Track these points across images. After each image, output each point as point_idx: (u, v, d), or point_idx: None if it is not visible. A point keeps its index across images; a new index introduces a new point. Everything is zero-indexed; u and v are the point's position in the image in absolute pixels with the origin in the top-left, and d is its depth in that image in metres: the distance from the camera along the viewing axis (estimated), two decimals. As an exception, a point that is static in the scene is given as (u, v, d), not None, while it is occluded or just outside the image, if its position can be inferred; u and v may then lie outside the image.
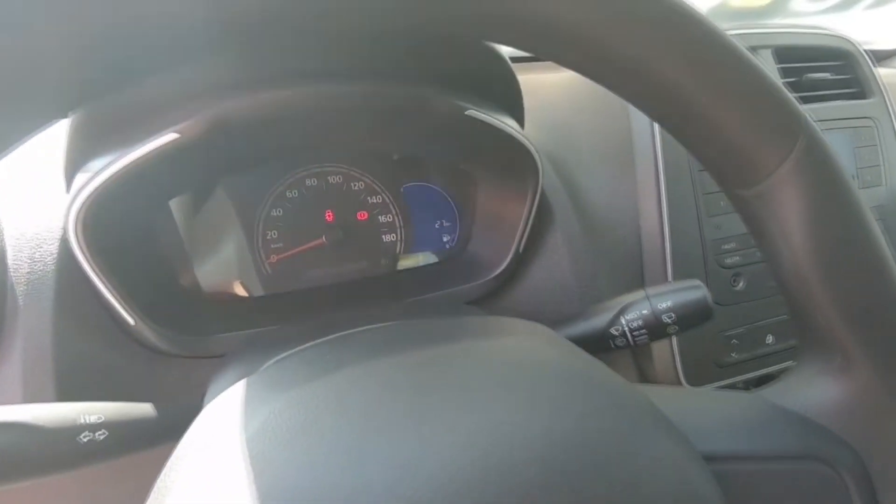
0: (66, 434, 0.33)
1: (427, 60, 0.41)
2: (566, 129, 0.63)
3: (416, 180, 0.66)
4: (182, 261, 0.55)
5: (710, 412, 0.30)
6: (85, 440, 0.34)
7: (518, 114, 0.52)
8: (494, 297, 0.58)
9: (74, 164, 0.40)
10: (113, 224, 0.42)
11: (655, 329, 0.45)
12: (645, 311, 0.45)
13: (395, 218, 0.64)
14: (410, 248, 0.65)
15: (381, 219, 0.64)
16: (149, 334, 0.45)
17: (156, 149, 0.36)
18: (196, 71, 0.35)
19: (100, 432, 0.35)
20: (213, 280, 0.57)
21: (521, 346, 0.28)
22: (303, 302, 0.58)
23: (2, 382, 0.41)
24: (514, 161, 0.52)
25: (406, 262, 0.65)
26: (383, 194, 0.64)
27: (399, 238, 0.65)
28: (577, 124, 0.63)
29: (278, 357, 0.38)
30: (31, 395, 0.41)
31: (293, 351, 0.38)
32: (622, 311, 0.45)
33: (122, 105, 0.36)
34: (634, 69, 0.22)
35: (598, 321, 0.46)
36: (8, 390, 0.41)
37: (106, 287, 0.42)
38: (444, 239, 0.67)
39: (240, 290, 0.59)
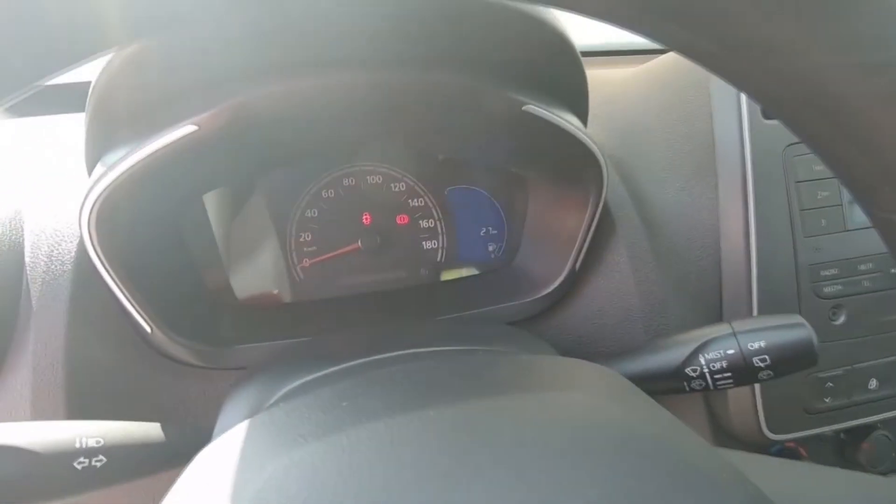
0: (62, 460, 0.30)
1: (482, 47, 0.35)
2: (634, 131, 0.56)
3: (462, 183, 0.60)
4: (212, 262, 0.52)
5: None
6: (80, 467, 0.30)
7: (582, 111, 0.45)
8: (543, 318, 0.51)
9: (92, 155, 0.36)
10: (130, 222, 0.39)
11: (743, 373, 0.37)
12: (731, 351, 0.37)
13: (438, 223, 0.59)
14: (452, 258, 0.59)
15: (423, 224, 0.59)
16: (167, 343, 0.42)
17: (171, 143, 0.32)
18: (217, 53, 0.30)
19: (97, 458, 0.31)
20: (243, 283, 0.54)
21: (589, 404, 0.22)
22: (334, 311, 0.54)
23: (10, 389, 0.38)
24: (575, 165, 0.46)
25: (447, 273, 0.59)
26: (426, 197, 0.59)
27: (441, 245, 0.59)
28: (647, 126, 0.55)
29: (297, 383, 0.33)
30: (40, 404, 0.38)
31: (314, 377, 0.33)
32: (702, 349, 0.38)
33: (138, 91, 0.32)
34: (804, 77, 0.16)
35: (669, 358, 0.39)
36: (16, 398, 0.38)
37: (122, 291, 0.38)
38: (490, 248, 0.61)
39: (269, 296, 0.55)
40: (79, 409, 0.39)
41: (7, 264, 0.40)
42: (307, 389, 0.30)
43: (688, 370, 0.38)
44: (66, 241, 0.41)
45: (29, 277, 0.40)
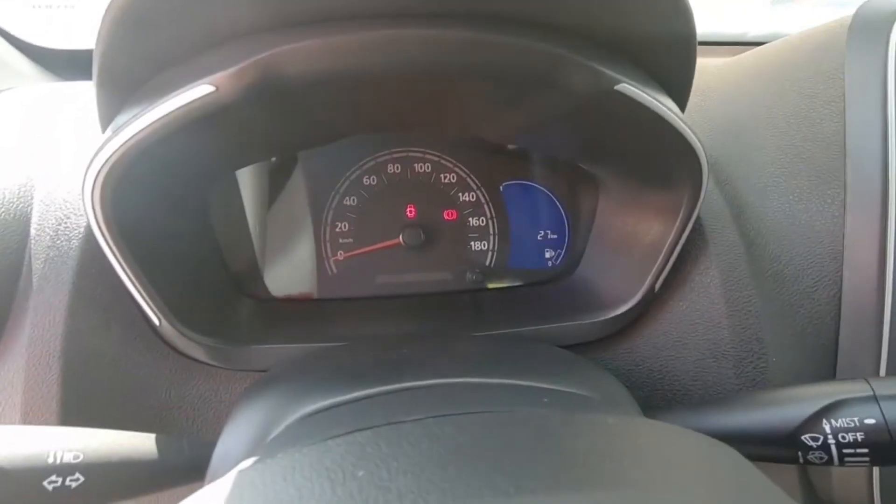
0: (30, 477, 0.25)
1: (578, 6, 0.27)
2: (734, 129, 0.46)
3: (520, 178, 0.53)
4: (240, 248, 0.47)
5: None
6: (51, 488, 0.25)
7: (681, 100, 0.36)
8: (606, 342, 0.44)
9: (104, 120, 0.31)
10: (145, 197, 0.34)
11: (887, 452, 0.28)
12: (870, 421, 0.28)
13: (490, 222, 0.52)
14: (503, 262, 0.52)
15: (473, 221, 0.52)
16: (176, 337, 0.37)
17: (184, 105, 0.27)
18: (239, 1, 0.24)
19: (72, 477, 0.26)
20: (273, 273, 0.49)
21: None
22: (366, 313, 0.48)
23: (2, 376, 0.34)
24: (666, 162, 0.37)
25: (496, 280, 0.52)
26: (478, 192, 0.52)
27: (491, 247, 0.52)
28: (752, 124, 0.46)
29: (312, 408, 0.27)
30: (31, 397, 0.34)
31: (333, 402, 0.27)
32: (827, 412, 0.29)
33: (145, 45, 0.27)
34: None
35: (781, 418, 0.30)
36: (6, 388, 0.34)
37: (128, 275, 0.33)
38: (547, 255, 0.53)
39: (297, 291, 0.49)
40: (73, 405, 0.34)
41: (10, 235, 0.36)
42: (321, 426, 0.24)
43: (805, 437, 0.30)
44: (75, 215, 0.37)
45: (32, 252, 0.35)
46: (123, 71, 0.29)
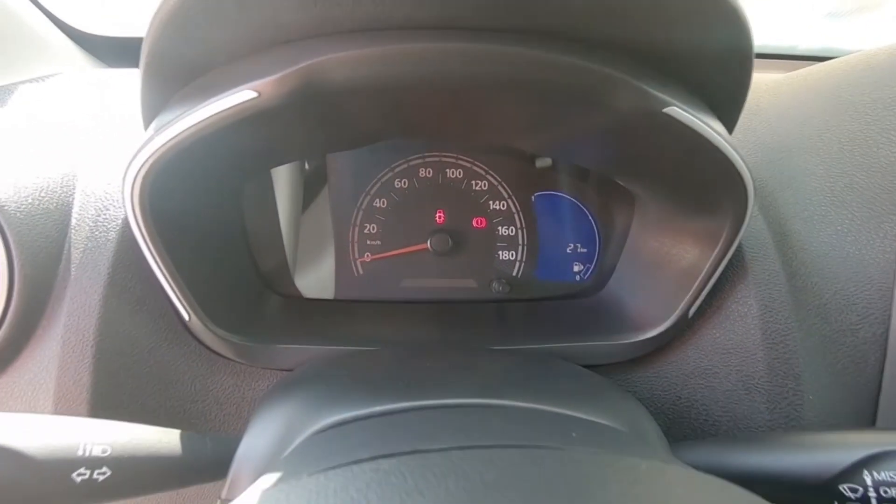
0: (60, 469, 0.26)
1: (633, 24, 0.26)
2: (783, 151, 0.45)
3: (553, 189, 0.52)
4: (271, 245, 0.48)
5: None
6: (79, 480, 0.26)
7: (730, 121, 0.35)
8: (633, 365, 0.42)
9: (148, 116, 0.32)
10: (183, 194, 0.34)
11: (932, 511, 0.26)
12: (917, 477, 0.27)
13: (519, 232, 0.52)
14: (531, 274, 0.51)
15: (502, 230, 0.51)
16: (204, 332, 0.37)
17: (226, 109, 0.27)
18: (283, 4, 0.24)
19: (100, 471, 0.27)
20: (302, 272, 0.49)
21: None
22: (390, 317, 0.48)
23: (37, 362, 0.35)
24: (709, 185, 0.36)
25: (522, 292, 0.51)
26: (509, 201, 0.52)
27: (519, 258, 0.51)
28: (802, 147, 0.44)
29: (335, 419, 0.27)
30: (64, 382, 0.35)
31: (356, 415, 0.27)
32: (870, 463, 0.28)
33: (192, 45, 0.27)
34: None
35: (817, 463, 0.29)
36: (41, 373, 0.35)
37: (161, 269, 0.34)
38: (576, 269, 0.52)
39: (323, 290, 0.50)
40: (103, 393, 0.35)
41: (52, 225, 0.37)
42: (345, 441, 0.24)
43: (844, 487, 0.28)
44: (114, 207, 0.38)
45: (72, 241, 0.36)
46: (170, 69, 0.29)
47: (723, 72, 0.30)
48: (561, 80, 0.27)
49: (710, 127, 0.31)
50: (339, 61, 0.25)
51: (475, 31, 0.25)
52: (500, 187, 0.52)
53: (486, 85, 0.27)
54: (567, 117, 0.32)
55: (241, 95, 0.26)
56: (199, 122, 0.27)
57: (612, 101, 0.29)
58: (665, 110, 0.29)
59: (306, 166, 0.50)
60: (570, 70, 0.27)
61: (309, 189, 0.51)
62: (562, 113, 0.32)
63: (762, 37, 0.80)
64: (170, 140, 0.29)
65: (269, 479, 0.21)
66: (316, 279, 0.50)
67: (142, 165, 0.30)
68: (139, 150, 0.30)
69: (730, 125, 0.35)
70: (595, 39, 0.27)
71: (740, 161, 0.33)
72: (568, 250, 0.52)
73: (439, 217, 0.51)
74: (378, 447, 0.20)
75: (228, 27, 0.26)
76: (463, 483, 0.16)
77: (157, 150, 0.29)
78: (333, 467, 0.18)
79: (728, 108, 0.34)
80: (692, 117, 0.30)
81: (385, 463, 0.18)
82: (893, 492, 0.27)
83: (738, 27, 0.27)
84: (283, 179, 0.49)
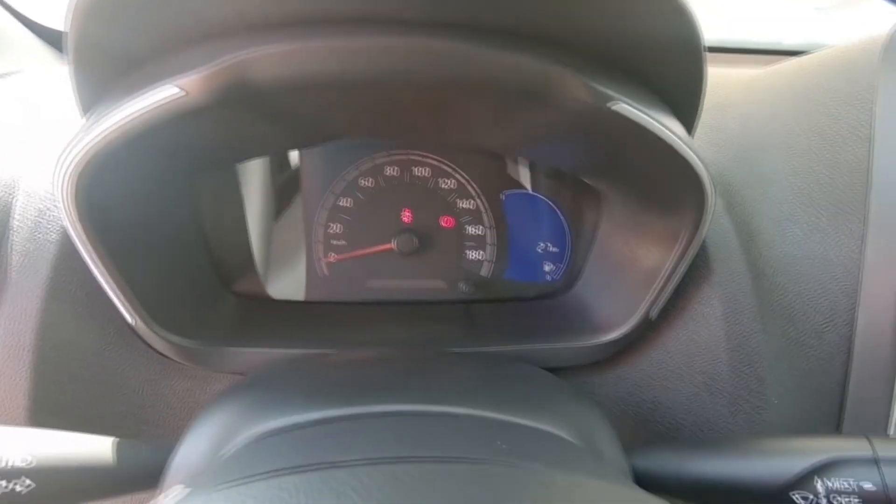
0: None
1: (573, 17, 0.25)
2: (752, 149, 0.44)
3: (522, 188, 0.51)
4: (233, 244, 0.46)
5: None
6: (-1, 492, 0.25)
7: (689, 118, 0.34)
8: (597, 368, 0.42)
9: (81, 110, 0.31)
10: (120, 193, 0.33)
11: (883, 521, 0.26)
12: (869, 486, 0.26)
13: (488, 231, 0.51)
14: (500, 274, 0.50)
15: (470, 230, 0.50)
16: (152, 337, 0.36)
17: (151, 106, 0.26)
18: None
19: (21, 483, 0.26)
20: (265, 272, 0.48)
21: None
22: (355, 319, 0.47)
23: (-25, 367, 0.34)
24: (669, 184, 0.35)
25: (491, 292, 0.50)
26: (477, 199, 0.51)
27: (488, 258, 0.51)
28: (771, 144, 0.43)
29: (275, 425, 0.26)
30: (1, 389, 0.33)
31: (297, 421, 0.26)
32: (823, 470, 0.27)
33: (118, 38, 0.26)
34: None
35: (771, 469, 0.28)
36: (-22, 378, 0.34)
37: (101, 271, 0.33)
38: (546, 269, 0.51)
39: (287, 290, 0.49)
40: (43, 399, 0.34)
41: None
42: (274, 450, 0.23)
43: (795, 495, 0.27)
44: (56, 207, 0.36)
45: (12, 243, 0.35)
46: (100, 62, 0.28)
47: (672, 66, 0.29)
48: (502, 75, 0.26)
49: (661, 124, 0.30)
50: (266, 58, 0.24)
51: (406, 24, 0.24)
52: (468, 185, 0.51)
53: (419, 82, 0.26)
54: (519, 113, 0.31)
55: (167, 92, 0.25)
56: (125, 119, 0.26)
57: (558, 98, 0.28)
58: (612, 107, 0.28)
59: (273, 162, 0.49)
60: (510, 66, 0.26)
61: (285, 187, 0.49)
62: (513, 109, 0.31)
63: (747, 32, 0.79)
64: (98, 136, 0.27)
65: (176, 492, 0.20)
66: (278, 278, 0.49)
67: (72, 161, 0.29)
68: (67, 147, 0.28)
69: (689, 122, 0.34)
70: (538, 34, 0.26)
71: (695, 158, 0.32)
72: (539, 250, 0.52)
73: (406, 216, 0.50)
74: (290, 460, 0.19)
75: (149, 20, 0.24)
76: (357, 500, 0.16)
77: (86, 147, 0.28)
78: (238, 480, 0.17)
79: (685, 105, 0.33)
80: (642, 114, 0.29)
81: (288, 480, 0.17)
82: (844, 500, 0.26)
83: (682, 19, 0.26)
84: (253, 176, 0.48)
